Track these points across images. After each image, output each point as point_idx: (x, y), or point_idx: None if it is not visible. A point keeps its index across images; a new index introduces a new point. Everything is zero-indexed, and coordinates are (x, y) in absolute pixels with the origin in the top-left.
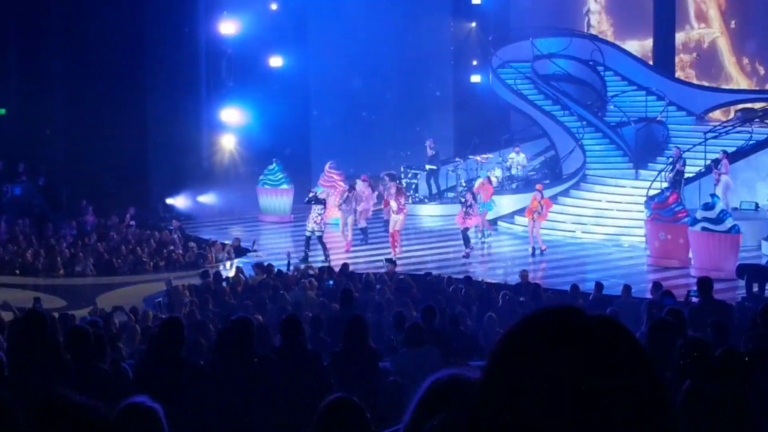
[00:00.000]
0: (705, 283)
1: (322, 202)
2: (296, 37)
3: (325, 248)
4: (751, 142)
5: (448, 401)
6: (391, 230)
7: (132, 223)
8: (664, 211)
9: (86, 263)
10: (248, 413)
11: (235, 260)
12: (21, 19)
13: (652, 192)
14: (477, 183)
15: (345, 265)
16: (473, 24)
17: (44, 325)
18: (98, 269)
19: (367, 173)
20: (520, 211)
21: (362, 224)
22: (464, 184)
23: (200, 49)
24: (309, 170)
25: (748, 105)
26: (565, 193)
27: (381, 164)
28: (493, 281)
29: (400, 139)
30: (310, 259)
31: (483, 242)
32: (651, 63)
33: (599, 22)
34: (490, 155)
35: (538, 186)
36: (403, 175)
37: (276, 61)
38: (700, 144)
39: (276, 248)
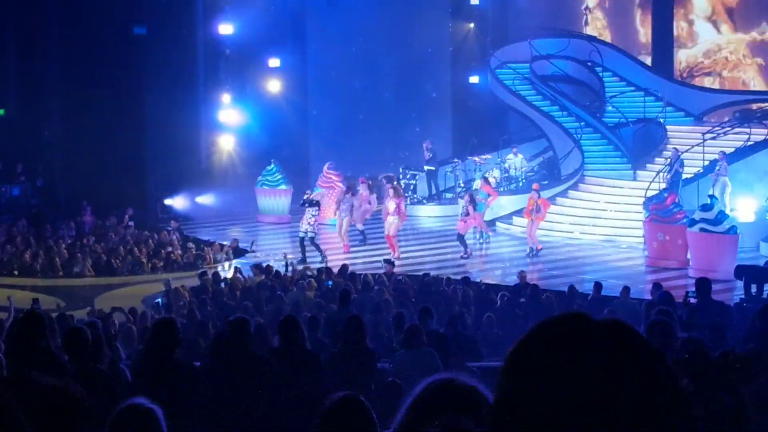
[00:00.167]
0: (703, 284)
1: (317, 205)
2: (294, 38)
3: (319, 249)
4: (749, 143)
5: (441, 406)
6: (385, 233)
7: (130, 223)
8: (662, 212)
9: (84, 264)
10: (246, 414)
11: (234, 261)
12: (20, 20)
13: (650, 193)
14: (476, 184)
15: (344, 266)
16: (471, 25)
17: (43, 326)
18: (97, 270)
19: (365, 174)
20: (518, 212)
21: (360, 227)
22: (462, 185)
23: (198, 50)
24: (307, 171)
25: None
26: (563, 193)
27: (379, 165)
28: (492, 282)
29: (399, 140)
30: (308, 260)
31: (481, 243)
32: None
33: (596, 21)
34: (488, 156)
35: (534, 185)
36: (401, 176)
37: (274, 62)
38: (698, 145)
39: (274, 249)
